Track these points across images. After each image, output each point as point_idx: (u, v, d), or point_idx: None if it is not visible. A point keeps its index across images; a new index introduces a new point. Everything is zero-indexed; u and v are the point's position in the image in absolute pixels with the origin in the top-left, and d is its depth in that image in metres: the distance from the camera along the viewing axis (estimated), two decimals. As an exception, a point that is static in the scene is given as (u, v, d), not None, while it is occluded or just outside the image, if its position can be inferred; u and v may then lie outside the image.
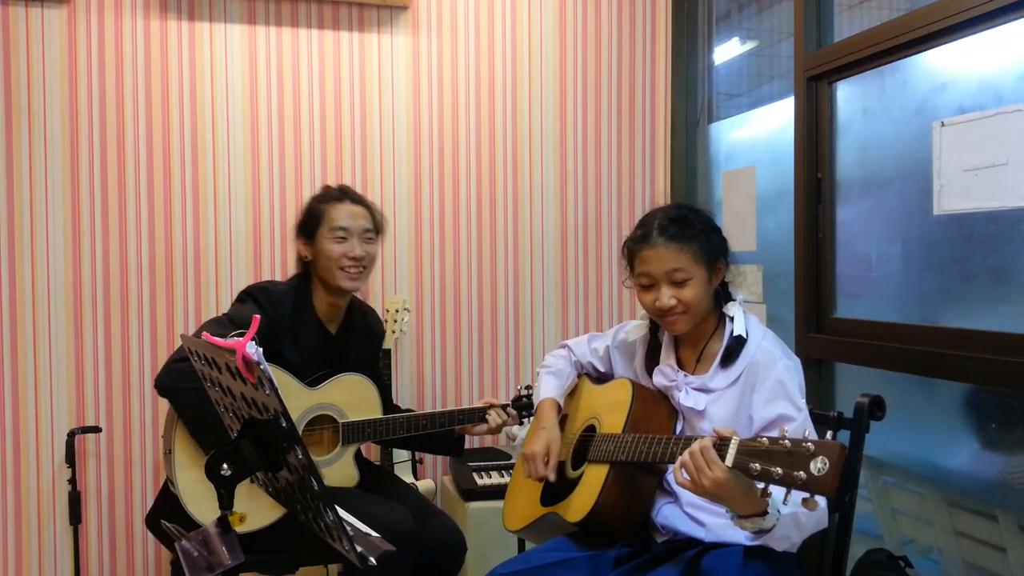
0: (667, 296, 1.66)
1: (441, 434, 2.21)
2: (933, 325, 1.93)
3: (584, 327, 3.08)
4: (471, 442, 2.98)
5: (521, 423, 2.23)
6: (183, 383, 1.83)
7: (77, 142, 2.62)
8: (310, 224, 2.14)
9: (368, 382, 2.13)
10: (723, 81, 3.02)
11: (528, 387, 2.24)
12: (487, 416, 2.15)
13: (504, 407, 2.19)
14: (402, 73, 2.89)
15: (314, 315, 2.13)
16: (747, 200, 2.68)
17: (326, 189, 2.22)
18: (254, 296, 2.06)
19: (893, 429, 1.80)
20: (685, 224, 1.69)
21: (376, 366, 2.34)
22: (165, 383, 1.92)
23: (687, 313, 1.68)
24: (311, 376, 2.06)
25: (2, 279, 2.57)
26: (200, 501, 1.91)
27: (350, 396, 2.11)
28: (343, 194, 2.17)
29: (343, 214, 2.11)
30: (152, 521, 2.04)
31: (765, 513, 1.39)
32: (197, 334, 1.92)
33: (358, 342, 2.23)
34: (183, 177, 2.71)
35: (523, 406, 2.22)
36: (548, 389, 1.95)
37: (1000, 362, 1.69)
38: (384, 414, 2.14)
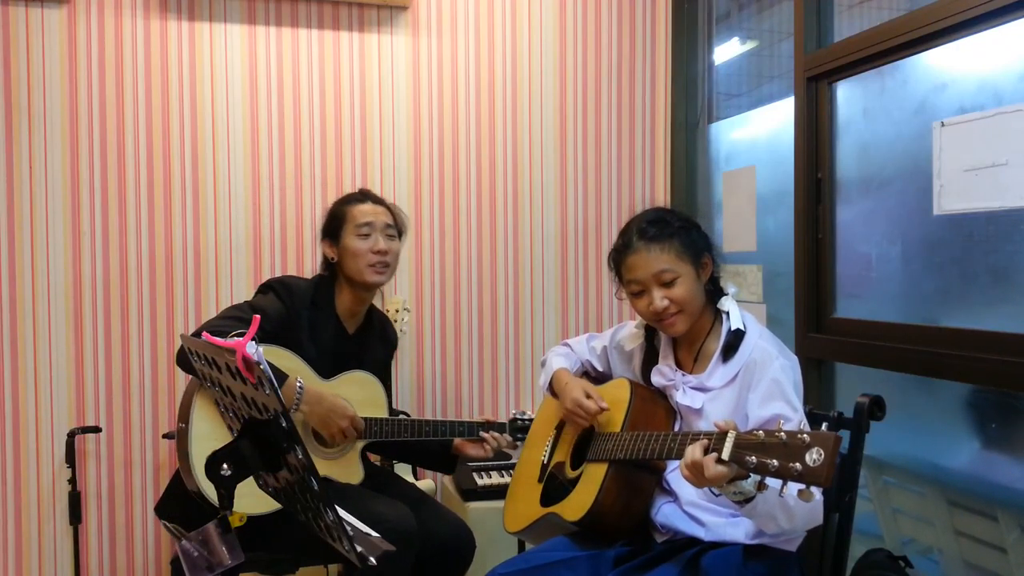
0: (659, 298, 1.66)
1: (437, 450, 2.25)
2: (933, 325, 1.93)
3: (584, 327, 3.08)
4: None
5: (516, 447, 2.24)
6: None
7: (77, 142, 2.62)
8: (334, 225, 2.20)
9: (377, 382, 2.18)
10: (723, 81, 3.02)
11: (523, 412, 2.28)
12: (484, 437, 2.18)
13: (502, 428, 2.21)
14: (402, 73, 2.89)
15: (333, 312, 2.17)
16: (747, 200, 2.68)
17: (348, 194, 2.29)
18: (274, 288, 2.12)
19: (893, 429, 1.80)
20: (662, 224, 1.70)
21: (388, 373, 2.36)
22: (183, 356, 1.96)
23: (683, 312, 1.68)
24: (321, 367, 2.09)
25: (2, 279, 2.57)
26: None
27: (360, 393, 2.13)
28: (364, 195, 2.25)
29: (365, 212, 2.18)
30: (162, 509, 2.07)
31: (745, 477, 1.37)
32: (218, 319, 2.02)
33: (374, 345, 2.27)
34: (183, 177, 2.71)
35: (518, 428, 2.24)
36: (559, 363, 1.96)
37: (1000, 362, 1.69)
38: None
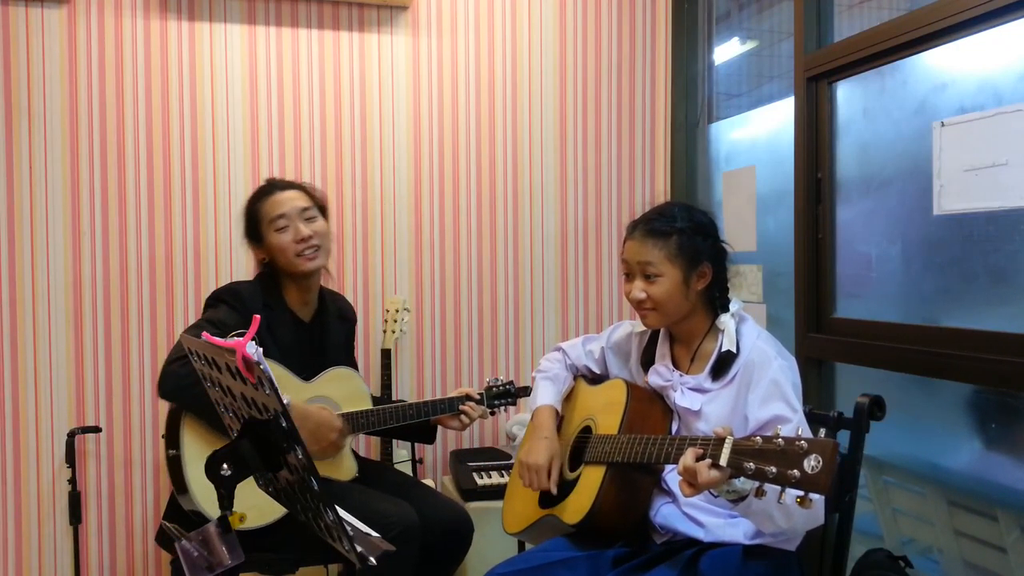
0: (638, 288, 1.70)
1: (416, 426, 2.25)
2: (933, 325, 1.93)
3: (584, 327, 3.07)
4: (471, 441, 2.99)
5: (493, 413, 2.28)
6: (187, 382, 1.83)
7: (77, 142, 2.62)
8: (252, 226, 2.17)
9: (355, 374, 2.19)
10: (723, 81, 3.02)
11: (497, 378, 2.29)
12: (461, 410, 2.19)
13: (479, 399, 2.22)
14: (402, 73, 2.89)
15: (286, 308, 2.16)
16: (747, 200, 2.68)
17: (256, 190, 2.23)
18: (224, 300, 2.08)
19: (893, 429, 1.80)
20: (667, 220, 1.70)
21: (351, 350, 2.36)
22: (168, 386, 1.92)
23: (656, 311, 1.70)
24: (293, 367, 2.08)
25: (2, 279, 2.57)
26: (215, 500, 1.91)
27: (342, 389, 2.14)
28: (271, 186, 2.19)
29: (276, 203, 2.13)
30: (162, 537, 2.05)
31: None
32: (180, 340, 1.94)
33: (333, 327, 2.25)
34: (183, 177, 2.71)
35: (494, 395, 2.25)
36: (545, 396, 1.94)
37: (1000, 362, 1.69)
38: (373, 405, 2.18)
